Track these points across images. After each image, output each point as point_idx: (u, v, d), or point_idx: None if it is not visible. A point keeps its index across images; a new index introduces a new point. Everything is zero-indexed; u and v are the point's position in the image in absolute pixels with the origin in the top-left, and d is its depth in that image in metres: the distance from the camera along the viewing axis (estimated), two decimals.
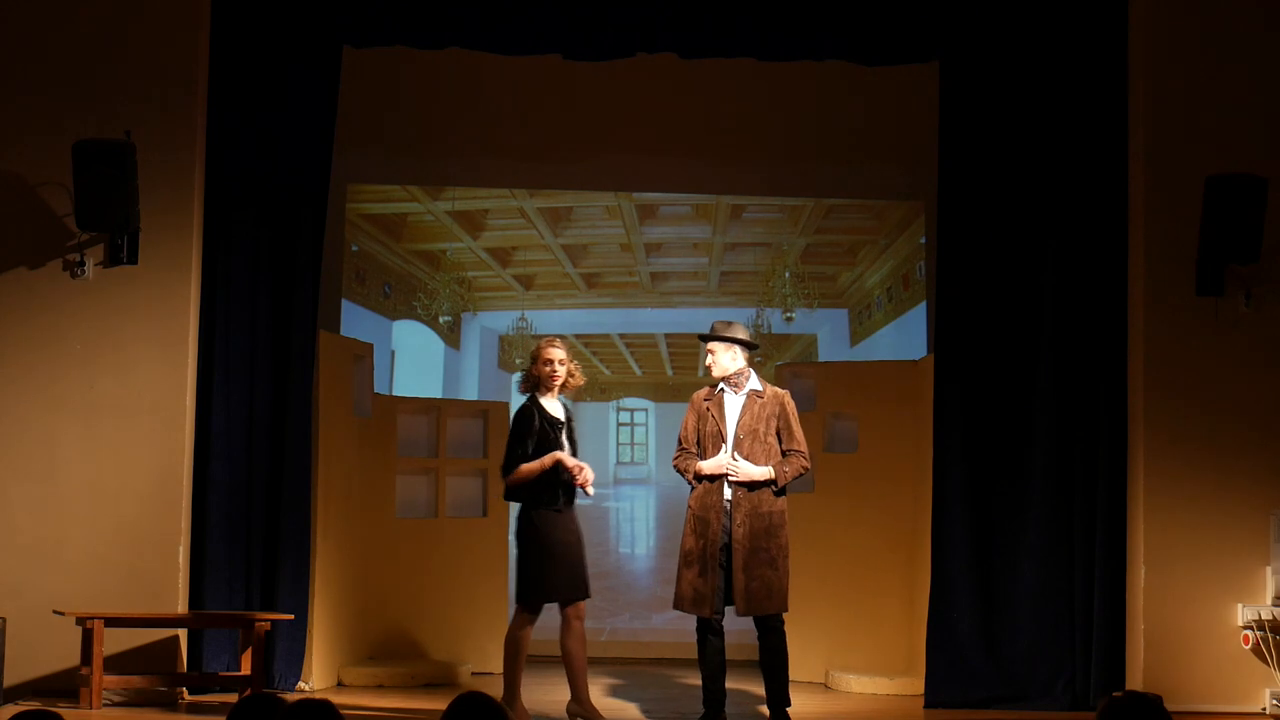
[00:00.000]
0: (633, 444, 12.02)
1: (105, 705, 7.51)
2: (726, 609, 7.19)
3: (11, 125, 8.02)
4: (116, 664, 7.68)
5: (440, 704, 4.56)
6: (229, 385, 8.09)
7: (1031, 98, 8.25)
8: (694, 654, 7.29)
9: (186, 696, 7.83)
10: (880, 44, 8.35)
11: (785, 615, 7.22)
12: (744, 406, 7.23)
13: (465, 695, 3.98)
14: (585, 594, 7.29)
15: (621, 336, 11.86)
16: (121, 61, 8.03)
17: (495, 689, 7.33)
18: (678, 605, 7.22)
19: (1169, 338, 8.04)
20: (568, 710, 7.33)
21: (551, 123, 9.99)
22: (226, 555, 8.04)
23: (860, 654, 9.10)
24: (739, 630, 7.65)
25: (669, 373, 12.05)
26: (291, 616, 7.98)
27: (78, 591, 7.77)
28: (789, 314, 11.08)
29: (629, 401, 11.98)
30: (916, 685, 8.30)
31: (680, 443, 7.36)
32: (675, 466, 7.38)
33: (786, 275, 11.06)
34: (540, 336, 7.75)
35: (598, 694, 7.79)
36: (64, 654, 7.70)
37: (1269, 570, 7.90)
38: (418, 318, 11.13)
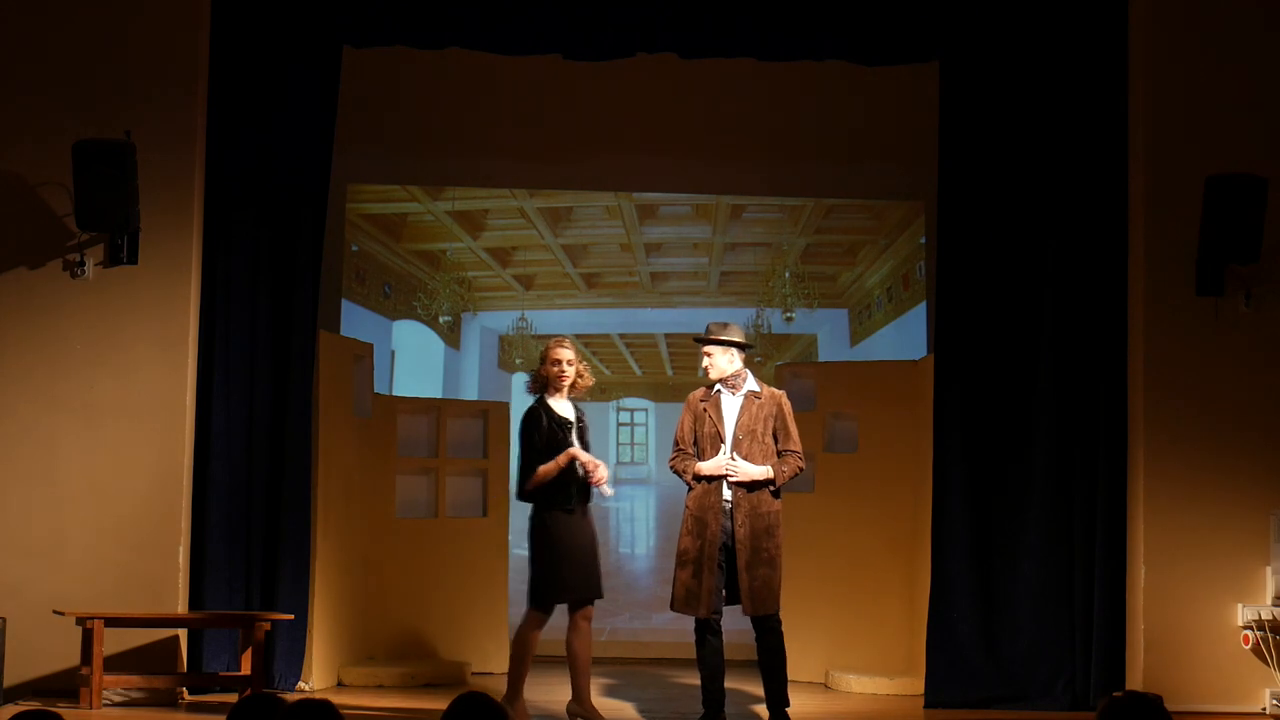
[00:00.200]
0: (633, 444, 12.03)
1: (105, 705, 7.51)
2: (730, 609, 7.19)
3: (11, 125, 8.02)
4: (116, 664, 7.68)
5: (440, 704, 4.56)
6: (229, 386, 8.09)
7: (1032, 98, 8.25)
8: (693, 654, 7.29)
9: (186, 696, 7.83)
10: (880, 44, 8.35)
11: (785, 615, 7.22)
12: (742, 407, 7.23)
13: (465, 695, 3.98)
14: (597, 595, 7.28)
15: (621, 336, 11.86)
16: (121, 61, 8.02)
17: (495, 689, 7.34)
18: (672, 605, 7.22)
19: (1169, 338, 8.04)
20: (568, 710, 7.33)
21: (551, 123, 9.99)
22: (226, 555, 8.04)
23: (860, 654, 9.10)
24: (738, 630, 7.66)
25: (669, 373, 12.05)
26: (291, 616, 7.98)
27: (78, 591, 7.77)
28: (789, 314, 11.08)
29: (629, 401, 11.99)
30: (916, 685, 8.30)
31: (677, 444, 7.35)
32: (672, 468, 7.37)
33: (786, 275, 11.05)
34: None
35: (597, 694, 7.79)
36: (64, 654, 7.70)
37: (1269, 570, 7.90)
38: (418, 318, 11.13)
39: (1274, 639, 7.80)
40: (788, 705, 7.20)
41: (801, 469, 7.31)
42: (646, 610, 10.73)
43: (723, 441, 7.19)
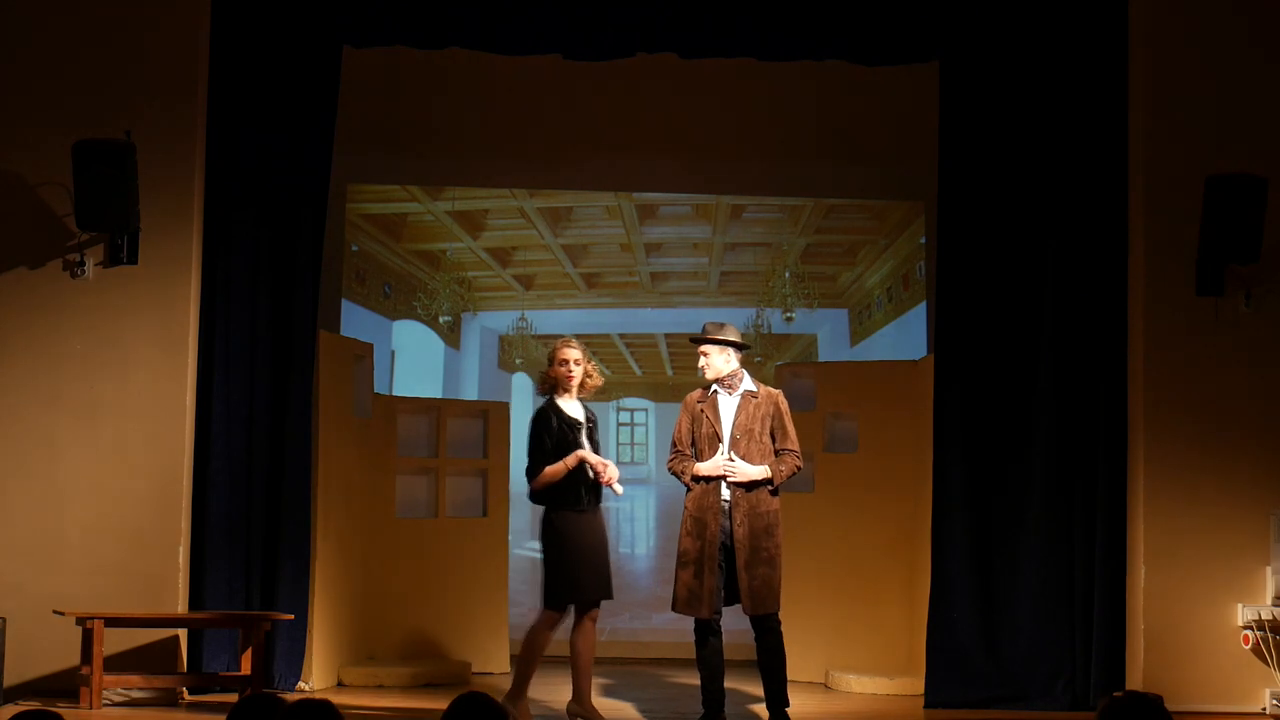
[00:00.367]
0: (632, 444, 12.02)
1: (105, 705, 7.51)
2: (729, 609, 7.19)
3: (11, 125, 8.02)
4: (116, 664, 7.68)
5: (440, 704, 4.56)
6: (229, 385, 8.09)
7: (1031, 98, 8.25)
8: (693, 654, 7.29)
9: (186, 696, 7.83)
10: (880, 44, 8.35)
11: (785, 615, 7.22)
12: (739, 407, 7.23)
13: (465, 695, 3.98)
14: (607, 595, 7.29)
15: (621, 336, 11.86)
16: (121, 61, 8.02)
17: (495, 688, 7.33)
18: (674, 606, 7.22)
19: (1169, 338, 8.04)
20: (568, 710, 7.33)
21: (551, 123, 9.99)
22: (227, 555, 8.04)
23: (860, 654, 9.10)
24: (737, 630, 7.65)
25: (669, 373, 12.04)
26: (291, 616, 7.98)
27: (78, 591, 7.77)
28: (789, 314, 11.08)
29: (629, 401, 11.98)
30: (916, 685, 8.30)
31: (674, 445, 7.35)
32: (671, 469, 7.36)
33: (786, 275, 11.05)
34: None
35: (597, 694, 7.79)
36: (64, 654, 7.70)
37: (1269, 570, 7.90)
38: (418, 318, 11.12)
39: (1274, 639, 7.80)
40: (788, 705, 7.19)
41: (800, 468, 7.31)
42: (646, 610, 10.73)
43: (720, 442, 7.19)
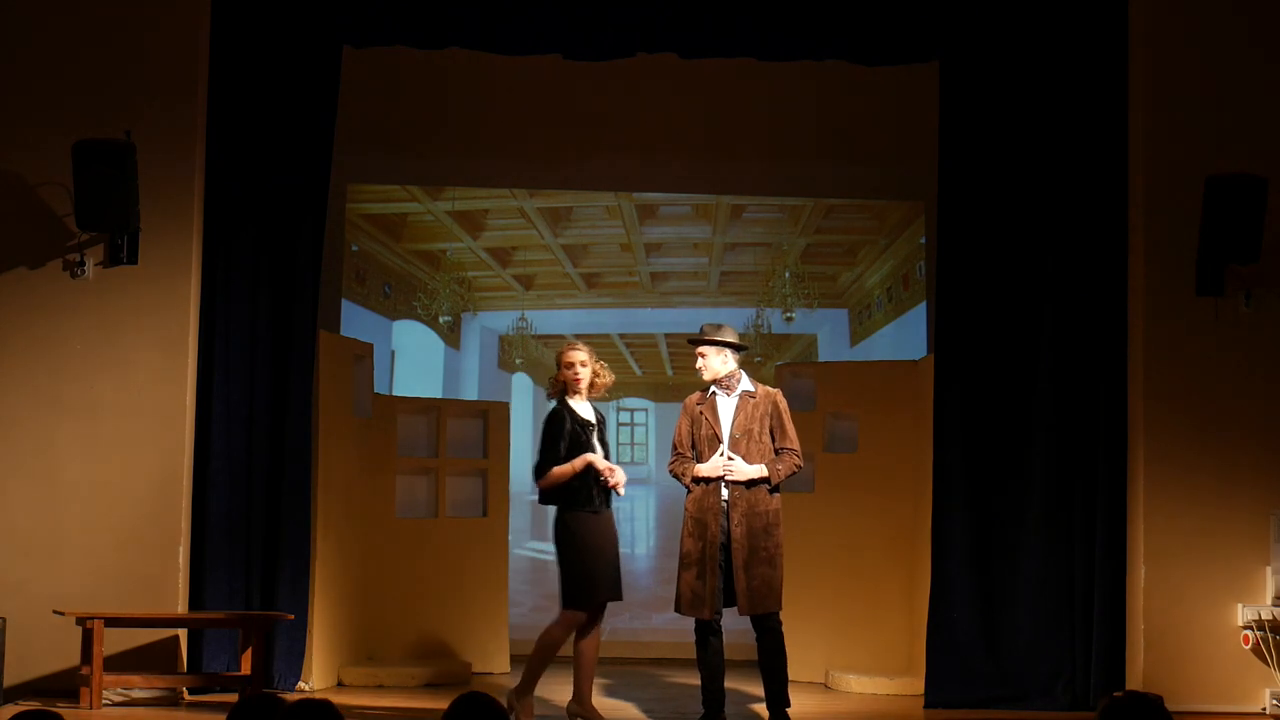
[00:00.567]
0: (632, 444, 12.01)
1: (105, 705, 7.51)
2: (727, 609, 7.19)
3: (11, 125, 8.02)
4: (116, 664, 7.68)
5: (440, 704, 4.56)
6: (229, 385, 8.09)
7: (1032, 98, 8.25)
8: (693, 654, 7.29)
9: (186, 696, 7.83)
10: (880, 44, 8.35)
11: (785, 615, 7.22)
12: (737, 407, 7.24)
13: (465, 695, 3.98)
14: (617, 596, 7.29)
15: (621, 336, 11.85)
16: (121, 61, 8.03)
17: (496, 688, 7.33)
18: (677, 608, 7.22)
19: (1169, 338, 8.04)
20: (568, 710, 7.33)
21: (551, 123, 9.99)
22: (227, 555, 8.04)
23: (860, 654, 9.10)
24: (737, 630, 7.65)
25: (669, 373, 12.03)
26: (291, 616, 7.98)
27: (78, 591, 7.77)
28: (789, 314, 11.07)
29: (629, 401, 11.96)
30: (916, 685, 8.30)
31: (675, 447, 7.35)
32: (671, 471, 7.37)
33: (786, 275, 11.05)
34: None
35: (597, 694, 7.78)
36: (64, 654, 7.70)
37: (1269, 570, 7.90)
38: (418, 318, 11.12)
39: (1274, 639, 7.80)
40: (788, 705, 7.19)
41: (800, 466, 7.31)
42: (646, 610, 10.72)
43: (720, 443, 7.19)
